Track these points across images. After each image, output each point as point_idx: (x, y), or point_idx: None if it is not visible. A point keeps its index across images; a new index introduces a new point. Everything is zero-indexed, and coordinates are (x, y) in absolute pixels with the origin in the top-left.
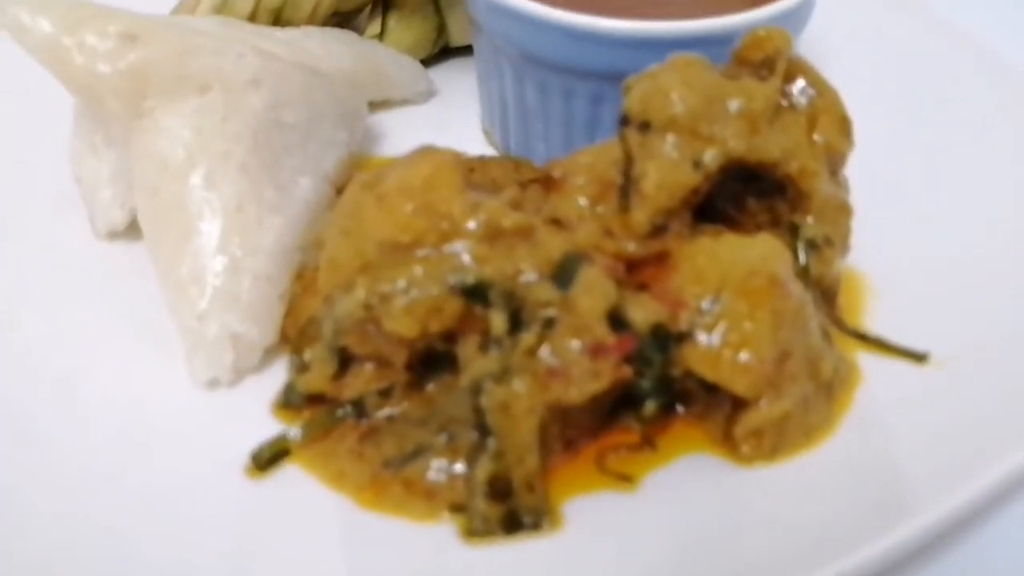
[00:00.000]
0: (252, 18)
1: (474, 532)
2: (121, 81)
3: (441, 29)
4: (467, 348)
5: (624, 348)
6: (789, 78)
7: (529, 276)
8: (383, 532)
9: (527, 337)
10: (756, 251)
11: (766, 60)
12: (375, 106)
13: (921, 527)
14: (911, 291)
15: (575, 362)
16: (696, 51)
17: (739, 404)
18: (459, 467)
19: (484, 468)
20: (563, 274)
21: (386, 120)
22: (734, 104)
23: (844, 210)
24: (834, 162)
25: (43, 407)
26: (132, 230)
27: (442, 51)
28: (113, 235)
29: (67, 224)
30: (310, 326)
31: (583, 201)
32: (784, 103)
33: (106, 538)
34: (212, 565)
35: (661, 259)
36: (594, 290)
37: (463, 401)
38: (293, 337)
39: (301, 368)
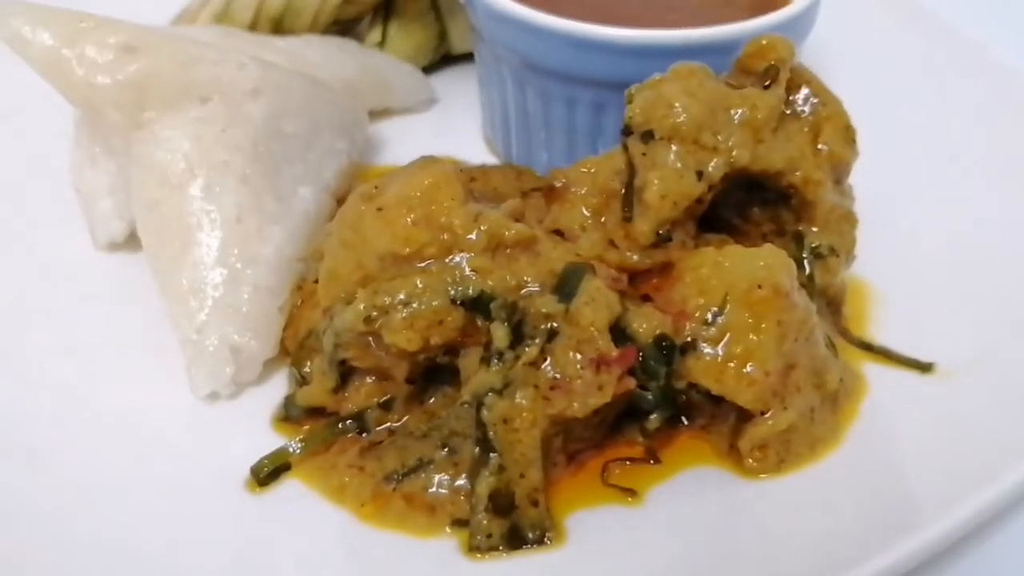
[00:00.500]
0: (253, 27)
1: (476, 547)
2: (120, 92)
3: (442, 36)
4: (469, 361)
5: (627, 361)
6: (792, 87)
7: (531, 288)
8: (384, 547)
9: (529, 350)
10: (760, 262)
11: (769, 69)
12: (376, 115)
13: (927, 540)
14: (918, 300)
15: (578, 375)
16: (699, 60)
17: (744, 416)
18: (461, 481)
19: (486, 482)
20: (565, 286)
21: (387, 129)
22: (737, 113)
23: (849, 219)
24: (839, 171)
25: (42, 418)
26: (132, 241)
27: (444, 58)
28: (113, 246)
29: (67, 235)
30: (310, 339)
31: (585, 211)
32: (788, 112)
33: (105, 550)
34: None
35: (665, 270)
36: (597, 302)
37: (465, 415)
38: (293, 349)
39: (301, 381)
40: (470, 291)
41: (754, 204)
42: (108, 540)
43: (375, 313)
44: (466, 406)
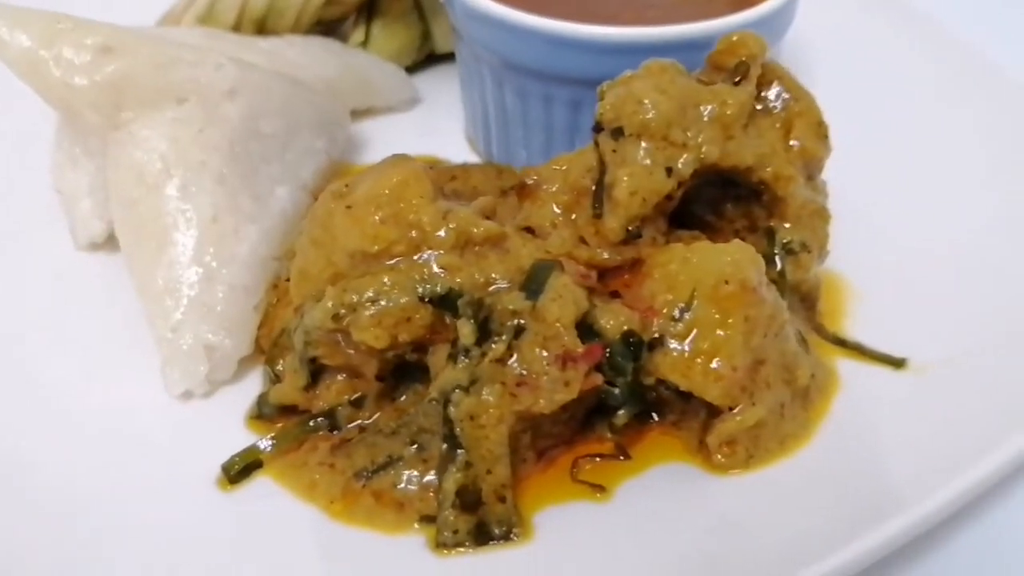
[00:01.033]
0: (236, 28)
1: (443, 543)
2: (98, 93)
3: (426, 36)
4: (437, 358)
5: (593, 357)
6: (764, 83)
7: (499, 285)
8: (354, 544)
9: (496, 347)
10: (728, 258)
11: (739, 65)
12: (359, 114)
13: (893, 534)
14: (894, 296)
15: (544, 371)
16: (675, 57)
17: (713, 412)
18: (430, 478)
19: (453, 479)
20: (533, 283)
21: (370, 128)
22: (707, 110)
23: (821, 215)
24: (811, 167)
25: (18, 415)
26: (112, 241)
27: (427, 58)
28: (94, 246)
29: (49, 235)
30: (283, 337)
31: (556, 209)
32: (759, 108)
33: (74, 546)
34: None
35: (635, 266)
36: (563, 299)
37: (433, 411)
38: (267, 348)
39: (275, 379)
40: (438, 288)
41: (728, 201)
42: (78, 536)
43: (343, 311)
44: (434, 403)
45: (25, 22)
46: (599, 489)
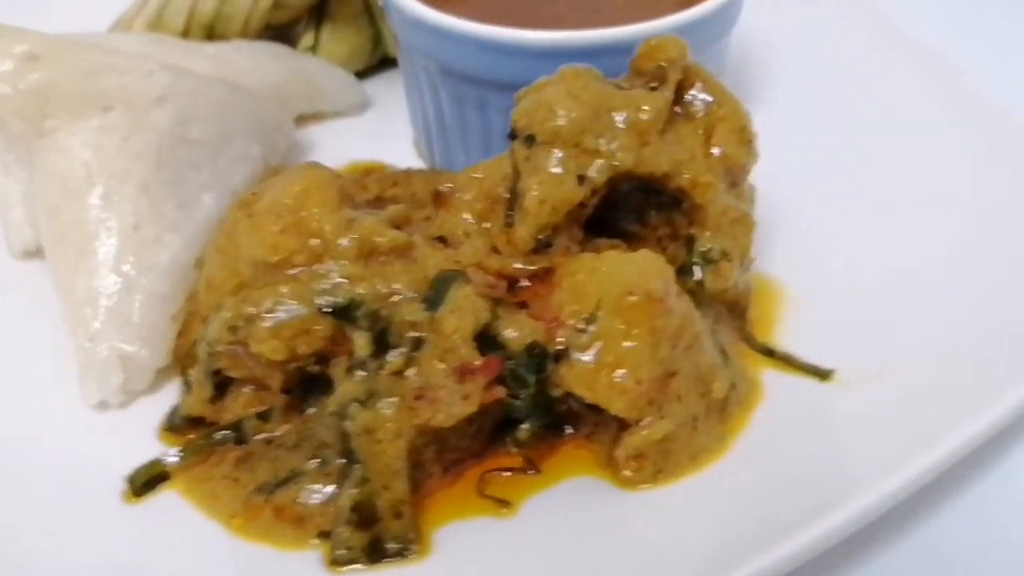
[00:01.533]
0: (186, 33)
1: (337, 560)
2: (22, 101)
3: (377, 40)
4: (339, 370)
5: (491, 370)
6: (686, 86)
7: (404, 296)
8: (253, 560)
9: (393, 359)
10: (634, 267)
11: (656, 70)
12: (307, 119)
13: (804, 547)
14: (829, 304)
15: (442, 385)
16: (605, 61)
17: (624, 426)
18: (331, 493)
19: (348, 495)
20: (434, 294)
21: (318, 133)
22: (621, 116)
23: (744, 222)
24: (733, 173)
25: None
26: None
27: (381, 62)
28: (28, 254)
29: None
30: (194, 347)
31: (470, 217)
32: (679, 112)
33: None
34: None
35: (546, 276)
36: (463, 310)
37: (332, 425)
38: (182, 358)
39: (188, 390)
40: (339, 299)
41: (651, 208)
42: None
43: (240, 323)
44: (333, 417)
45: None
46: (504, 504)
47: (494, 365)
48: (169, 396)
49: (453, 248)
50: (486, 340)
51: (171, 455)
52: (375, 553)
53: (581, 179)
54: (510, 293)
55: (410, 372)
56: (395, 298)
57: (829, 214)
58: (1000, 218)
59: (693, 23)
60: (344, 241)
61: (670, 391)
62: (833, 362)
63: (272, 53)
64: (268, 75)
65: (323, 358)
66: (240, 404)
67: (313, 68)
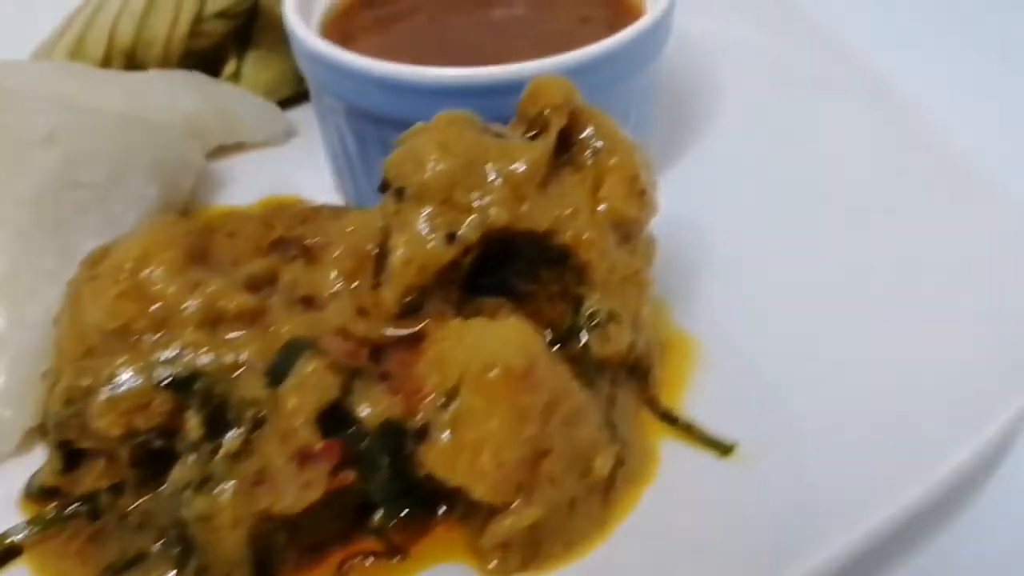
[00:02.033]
0: (107, 61)
1: None
2: None
3: None
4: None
5: (332, 455)
6: (577, 130)
7: (249, 368)
8: None
9: (231, 440)
10: (498, 339)
11: (537, 117)
12: (228, 149)
13: None
14: (744, 365)
15: (282, 470)
16: (503, 99)
17: (495, 510)
18: None
19: None
20: (279, 367)
21: (237, 165)
22: (496, 169)
23: (636, 282)
24: (624, 228)
25: None
26: None
27: (307, 91)
28: None
29: None
30: None
31: (337, 275)
32: (568, 160)
33: None
34: None
35: (414, 342)
36: (307, 386)
37: (169, 509)
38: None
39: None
40: (180, 371)
41: (543, 263)
42: None
43: (76, 395)
44: (169, 500)
45: None
46: None
47: (335, 449)
48: (41, 457)
49: (318, 310)
50: (336, 417)
51: (20, 528)
52: None
53: (451, 237)
54: (374, 362)
55: (249, 455)
56: (240, 371)
57: (755, 264)
58: (940, 288)
59: (602, 56)
60: (189, 306)
61: (541, 473)
62: (743, 430)
63: (189, 83)
64: (183, 106)
65: (170, 432)
66: (94, 476)
67: (232, 98)
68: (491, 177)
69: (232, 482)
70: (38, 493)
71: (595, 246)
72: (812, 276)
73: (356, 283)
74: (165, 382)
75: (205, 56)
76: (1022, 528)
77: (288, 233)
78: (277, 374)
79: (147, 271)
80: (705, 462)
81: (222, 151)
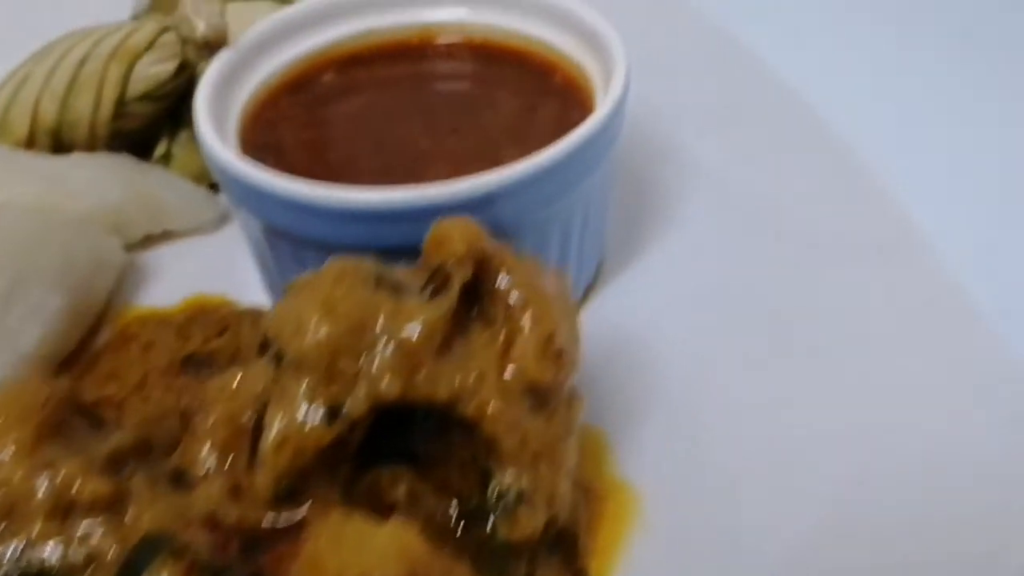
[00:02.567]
0: (31, 140)
1: None
2: None
3: None
4: None
5: None
6: (488, 278)
7: (100, 566)
8: None
9: None
10: (375, 550)
11: (437, 271)
12: (154, 239)
13: None
14: (689, 525)
15: None
16: (416, 224)
17: None
18: None
19: None
20: (134, 566)
21: (165, 256)
22: (388, 332)
23: (552, 456)
24: (539, 393)
25: None
26: None
27: None
28: None
29: None
30: None
31: (210, 449)
32: (477, 315)
33: None
34: None
35: (295, 531)
36: None
37: None
38: None
39: None
40: (27, 568)
41: (452, 425)
42: None
43: None
44: None
45: None
46: None
47: None
48: None
49: (188, 488)
50: None
51: None
52: None
53: (335, 413)
54: (246, 556)
55: None
56: (91, 569)
57: (716, 403)
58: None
59: (548, 168)
60: (38, 493)
61: None
62: None
63: (113, 169)
64: (105, 195)
65: None
66: None
67: (159, 184)
68: (381, 343)
69: None
70: None
71: (502, 418)
72: (784, 421)
73: (232, 456)
74: None
75: (136, 136)
76: None
77: (203, 348)
78: (131, 575)
79: None
80: None
81: (149, 240)
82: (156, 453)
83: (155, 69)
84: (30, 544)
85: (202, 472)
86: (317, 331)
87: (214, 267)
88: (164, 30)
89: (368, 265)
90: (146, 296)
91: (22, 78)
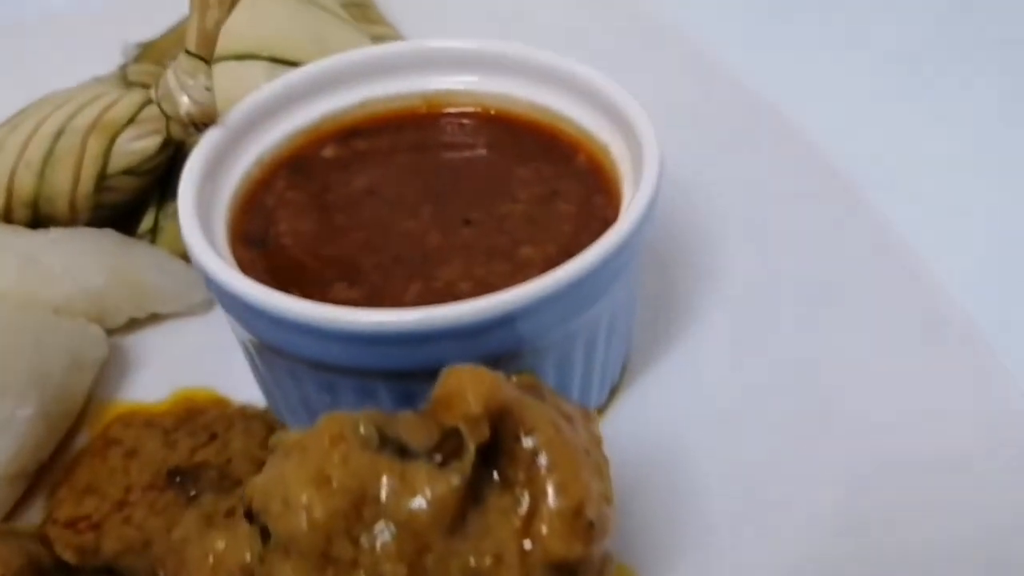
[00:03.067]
0: (8, 213)
1: None
2: None
3: None
4: None
5: None
6: (508, 435)
7: None
8: None
9: None
10: None
11: (449, 436)
12: (139, 323)
13: None
14: None
15: None
16: (424, 347)
17: None
18: None
19: None
20: None
21: (148, 343)
22: (392, 508)
23: None
24: (568, 569)
25: None
26: None
27: None
28: None
29: None
30: None
31: None
32: (497, 479)
33: None
34: None
35: None
36: None
37: None
38: None
39: None
40: None
41: None
42: None
43: None
44: None
45: None
46: None
47: None
48: None
49: None
50: None
51: None
52: None
53: None
54: None
55: None
56: None
57: (754, 536)
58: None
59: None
60: None
61: None
62: None
63: (95, 248)
64: (86, 281)
65: None
66: None
67: (142, 264)
68: (383, 522)
69: None
70: None
71: None
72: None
73: None
74: None
75: (121, 208)
76: None
77: (190, 459)
78: None
79: None
80: None
81: (133, 324)
82: None
83: (138, 144)
84: None
85: None
86: (309, 511)
87: (203, 353)
88: (147, 102)
89: (369, 421)
90: (130, 387)
91: None
